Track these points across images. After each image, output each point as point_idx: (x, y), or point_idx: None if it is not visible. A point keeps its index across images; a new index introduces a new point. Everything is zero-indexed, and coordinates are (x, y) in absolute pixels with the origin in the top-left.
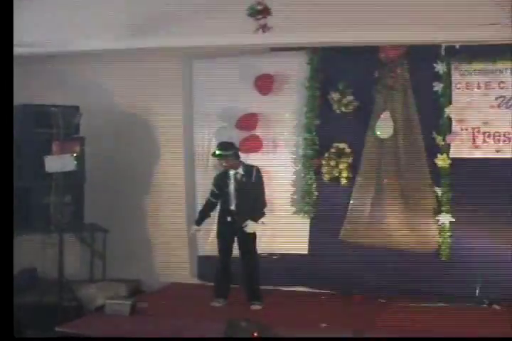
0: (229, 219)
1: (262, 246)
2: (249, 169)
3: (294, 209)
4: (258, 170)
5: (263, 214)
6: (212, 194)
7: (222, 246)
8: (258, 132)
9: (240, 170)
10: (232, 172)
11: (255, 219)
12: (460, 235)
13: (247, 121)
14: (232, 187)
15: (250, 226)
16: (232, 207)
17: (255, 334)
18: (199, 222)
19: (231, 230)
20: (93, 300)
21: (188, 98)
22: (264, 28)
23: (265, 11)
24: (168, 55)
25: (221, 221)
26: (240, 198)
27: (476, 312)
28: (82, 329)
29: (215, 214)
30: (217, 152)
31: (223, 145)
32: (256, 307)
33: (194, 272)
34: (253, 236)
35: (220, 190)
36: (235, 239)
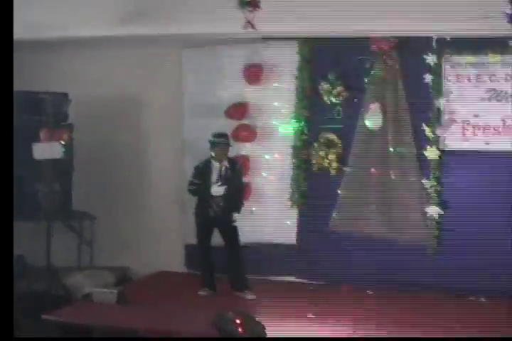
0: (210, 211)
1: (251, 236)
2: (233, 162)
3: (283, 198)
4: (240, 164)
5: (243, 205)
6: (192, 184)
7: (202, 236)
8: (248, 121)
9: (226, 163)
10: (216, 164)
11: (239, 212)
12: (449, 227)
13: (237, 110)
14: (214, 178)
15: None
16: (214, 200)
17: (238, 321)
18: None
19: (212, 222)
20: (80, 288)
21: (178, 87)
22: (252, 23)
23: (254, 4)
24: (158, 43)
25: (200, 212)
26: (224, 190)
27: (463, 305)
28: (69, 317)
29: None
30: (214, 139)
31: (220, 134)
32: (251, 296)
33: (182, 260)
34: (236, 226)
35: (202, 181)
36: (216, 229)
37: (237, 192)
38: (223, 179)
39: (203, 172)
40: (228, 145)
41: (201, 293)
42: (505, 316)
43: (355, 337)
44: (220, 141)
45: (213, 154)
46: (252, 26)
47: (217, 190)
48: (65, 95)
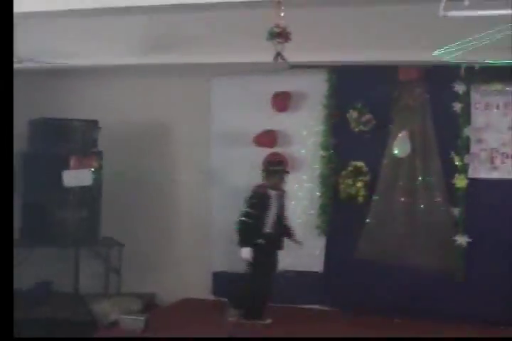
0: (261, 241)
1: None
2: (281, 192)
3: (310, 226)
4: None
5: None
6: (248, 215)
7: (257, 268)
8: (279, 149)
9: (282, 191)
10: (273, 192)
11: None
12: (476, 256)
13: (266, 137)
14: (273, 208)
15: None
16: (269, 230)
17: None
18: (247, 243)
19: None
20: (107, 314)
21: (206, 115)
22: (282, 55)
23: (284, 35)
24: (187, 72)
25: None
26: (278, 220)
27: (491, 335)
28: None
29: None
30: (275, 168)
31: (279, 162)
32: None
33: (209, 288)
34: None
35: (259, 211)
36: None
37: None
38: (280, 208)
39: (260, 201)
40: (288, 172)
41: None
42: None
43: (355, 337)
44: (280, 169)
45: (270, 183)
46: (283, 58)
47: (273, 219)
48: (95, 122)
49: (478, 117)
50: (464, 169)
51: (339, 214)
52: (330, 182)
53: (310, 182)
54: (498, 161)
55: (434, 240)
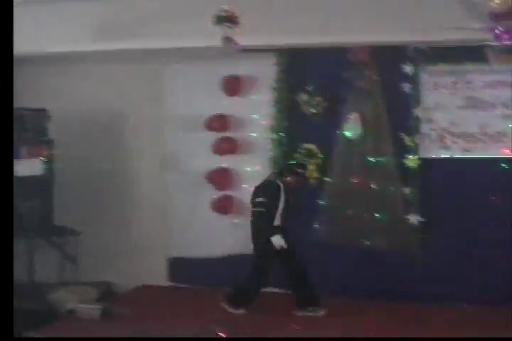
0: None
1: (235, 248)
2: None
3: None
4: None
5: None
6: (265, 205)
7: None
8: (230, 134)
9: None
10: (283, 186)
11: None
12: (429, 235)
13: (217, 122)
14: (282, 202)
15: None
16: (278, 223)
17: (221, 335)
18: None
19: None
20: (64, 303)
21: (159, 101)
22: (232, 39)
23: (232, 20)
24: (139, 58)
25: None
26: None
27: (448, 312)
28: (54, 334)
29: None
30: (296, 168)
31: (303, 165)
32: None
33: (166, 274)
34: None
35: (273, 203)
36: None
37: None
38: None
39: (274, 192)
40: (304, 174)
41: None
42: (489, 322)
43: (354, 337)
44: (302, 172)
45: (287, 181)
46: (232, 42)
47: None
48: (44, 111)
49: (427, 97)
50: (414, 149)
51: (294, 197)
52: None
53: (262, 165)
54: (448, 141)
55: (388, 220)
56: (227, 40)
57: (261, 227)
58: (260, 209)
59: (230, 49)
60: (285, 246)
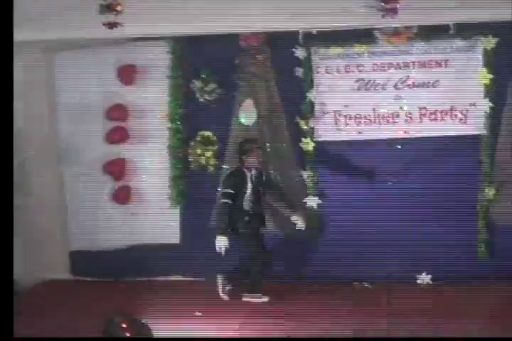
0: (246, 218)
1: (134, 238)
2: (259, 170)
3: (163, 199)
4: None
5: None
6: (229, 195)
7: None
8: (124, 123)
9: (254, 171)
10: (249, 171)
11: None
12: (328, 217)
13: (117, 112)
14: (249, 187)
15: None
16: (247, 208)
17: (124, 326)
18: (225, 230)
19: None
20: None
21: (51, 92)
22: (116, 23)
23: (114, 9)
24: (30, 49)
25: (236, 221)
26: (256, 198)
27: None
28: None
29: None
30: (247, 145)
31: (253, 139)
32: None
33: (67, 268)
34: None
35: (236, 191)
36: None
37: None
38: (256, 187)
39: (237, 180)
40: (260, 148)
41: (263, 299)
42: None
43: (355, 337)
44: (254, 147)
45: (246, 162)
46: (116, 26)
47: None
48: None
49: (320, 81)
50: (310, 132)
51: (192, 185)
52: (180, 153)
53: (161, 154)
54: (342, 123)
55: (288, 204)
56: (113, 27)
57: (224, 221)
58: (224, 201)
59: (119, 37)
60: (222, 250)
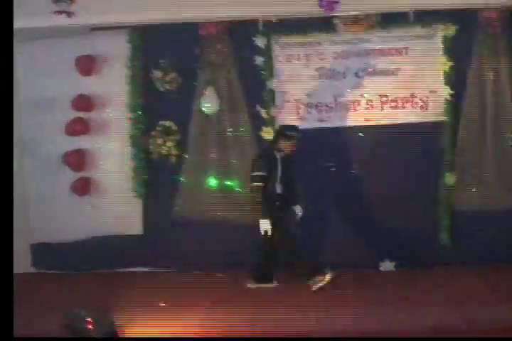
0: (277, 203)
1: (96, 229)
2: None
3: (125, 190)
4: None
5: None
6: (262, 178)
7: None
8: (87, 114)
9: (282, 153)
10: (278, 155)
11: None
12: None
13: (82, 102)
14: (279, 170)
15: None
16: (279, 191)
17: (87, 319)
18: (268, 213)
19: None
20: None
21: (15, 82)
22: (65, 13)
23: None
24: None
25: (269, 205)
26: (286, 182)
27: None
28: None
29: None
30: (288, 132)
31: (295, 127)
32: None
33: (30, 261)
34: None
35: (268, 173)
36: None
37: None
38: (285, 170)
39: (270, 164)
40: (298, 137)
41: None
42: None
43: (354, 337)
44: (295, 135)
45: (280, 147)
46: (69, 15)
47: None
48: None
49: (281, 69)
50: (271, 121)
51: (154, 175)
52: (141, 144)
53: (122, 144)
54: (303, 112)
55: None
56: (66, 14)
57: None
58: (257, 184)
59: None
60: (269, 232)
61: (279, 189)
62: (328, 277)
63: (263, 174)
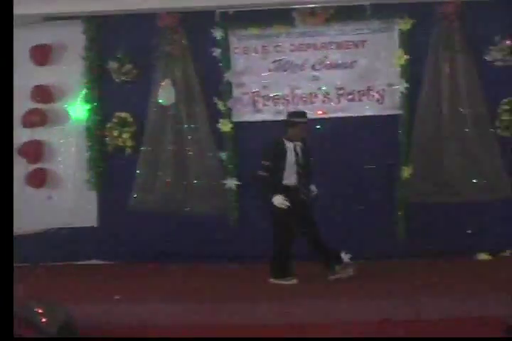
0: (284, 194)
1: (51, 221)
2: (305, 140)
3: (81, 181)
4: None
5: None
6: (267, 168)
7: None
8: (43, 105)
9: (299, 142)
10: (290, 144)
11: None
12: (247, 198)
13: (40, 93)
14: (291, 159)
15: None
16: (289, 182)
17: (40, 311)
18: (275, 191)
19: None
20: None
21: None
22: None
23: None
24: None
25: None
26: (300, 171)
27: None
28: None
29: None
30: (295, 119)
31: (302, 113)
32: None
33: None
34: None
35: (274, 163)
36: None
37: (309, 172)
38: (299, 159)
39: (276, 153)
40: (306, 123)
41: (291, 282)
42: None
43: (355, 337)
44: (303, 120)
45: (290, 135)
46: None
47: (295, 171)
48: None
49: (238, 62)
50: (227, 113)
51: (109, 167)
52: (96, 135)
53: (77, 136)
54: (260, 104)
55: (206, 185)
56: None
57: (269, 188)
58: (263, 174)
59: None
60: (286, 205)
61: (288, 179)
62: (350, 271)
63: (266, 164)
